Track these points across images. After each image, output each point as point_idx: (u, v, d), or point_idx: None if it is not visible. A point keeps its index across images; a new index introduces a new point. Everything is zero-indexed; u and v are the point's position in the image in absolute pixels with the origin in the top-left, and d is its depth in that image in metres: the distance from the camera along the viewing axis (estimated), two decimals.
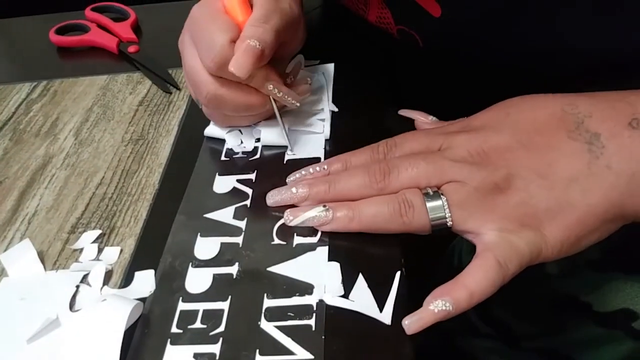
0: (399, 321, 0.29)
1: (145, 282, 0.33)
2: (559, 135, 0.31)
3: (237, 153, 0.41)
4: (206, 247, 0.34)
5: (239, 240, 0.35)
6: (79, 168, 0.43)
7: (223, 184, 0.39)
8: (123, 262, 0.35)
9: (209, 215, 0.36)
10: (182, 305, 0.31)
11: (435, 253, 0.52)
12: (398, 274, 0.32)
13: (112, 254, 0.35)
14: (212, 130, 0.43)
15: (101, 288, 0.33)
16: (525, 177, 0.31)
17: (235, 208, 0.37)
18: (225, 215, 0.36)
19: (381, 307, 0.30)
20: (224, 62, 0.35)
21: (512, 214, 0.30)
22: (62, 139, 0.46)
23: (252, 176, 0.39)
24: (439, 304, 0.29)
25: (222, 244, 0.34)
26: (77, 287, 0.33)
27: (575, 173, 0.30)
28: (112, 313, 0.30)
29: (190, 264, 0.33)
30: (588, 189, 0.30)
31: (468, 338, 0.49)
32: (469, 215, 0.31)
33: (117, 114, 0.48)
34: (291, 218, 0.34)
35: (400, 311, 0.30)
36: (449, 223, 0.31)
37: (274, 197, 0.36)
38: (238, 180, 0.39)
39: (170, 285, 0.32)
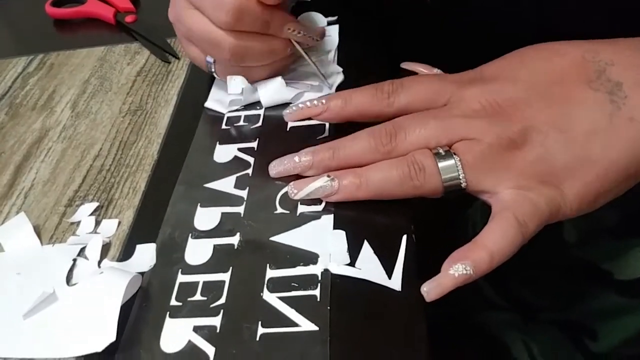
0: (409, 288, 0.28)
1: (145, 255, 0.32)
2: (579, 85, 0.29)
3: (239, 121, 0.40)
4: (206, 217, 0.33)
5: (240, 209, 0.33)
6: (75, 140, 0.41)
7: (224, 152, 0.37)
8: (121, 235, 0.34)
9: (209, 185, 0.35)
10: (181, 278, 0.30)
11: (448, 224, 0.51)
12: (404, 237, 0.30)
13: (110, 226, 0.34)
14: (213, 103, 0.41)
15: (99, 261, 0.32)
16: (542, 131, 0.29)
17: (237, 177, 0.35)
18: (226, 184, 0.35)
19: (389, 273, 0.29)
20: (240, 11, 0.34)
21: (530, 170, 0.29)
22: (59, 111, 0.45)
23: (254, 144, 0.37)
24: (459, 268, 0.28)
25: (222, 214, 0.33)
26: (75, 260, 0.32)
27: (595, 126, 0.28)
28: (108, 286, 0.29)
29: (190, 234, 0.32)
30: (609, 142, 0.28)
31: (484, 313, 0.48)
32: (484, 175, 0.29)
33: (115, 85, 0.46)
34: (295, 191, 0.32)
35: (410, 278, 0.29)
36: (463, 184, 0.29)
37: (276, 168, 0.34)
38: (239, 149, 0.37)
39: (170, 257, 0.31)
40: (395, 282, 0.28)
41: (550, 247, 0.40)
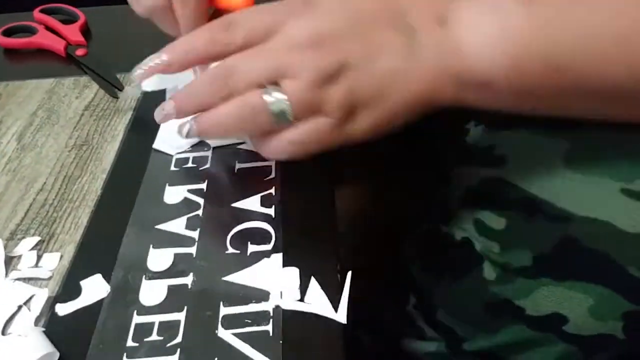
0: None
1: (96, 286, 0.33)
2: (386, 25, 0.33)
3: (187, 163, 0.41)
4: (159, 258, 0.34)
5: (192, 250, 0.35)
6: (20, 173, 0.42)
7: (174, 194, 0.39)
8: (61, 270, 0.34)
9: (160, 227, 0.36)
10: (137, 319, 0.31)
11: (383, 254, 0.54)
12: (349, 274, 0.33)
13: (51, 260, 0.35)
14: (161, 144, 0.42)
15: (37, 316, 0.32)
16: (353, 65, 0.33)
17: (188, 218, 0.37)
18: (177, 225, 0.36)
19: (335, 307, 0.31)
20: None
21: (339, 103, 0.33)
22: (5, 143, 0.45)
23: (203, 185, 0.39)
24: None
25: (175, 254, 0.34)
26: (19, 307, 0.32)
27: (394, 65, 0.33)
28: (18, 355, 0.29)
29: (144, 276, 0.33)
30: (403, 80, 0.32)
31: (415, 342, 0.51)
32: (307, 108, 0.33)
33: (62, 118, 0.47)
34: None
35: (351, 309, 0.31)
36: (290, 117, 0.33)
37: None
38: (189, 190, 0.39)
39: (124, 299, 0.32)
40: (341, 316, 0.31)
41: (472, 284, 0.43)
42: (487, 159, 0.40)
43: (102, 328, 0.31)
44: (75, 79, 0.51)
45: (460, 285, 0.45)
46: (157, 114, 0.37)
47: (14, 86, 0.51)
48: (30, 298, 0.33)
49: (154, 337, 0.30)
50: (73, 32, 0.56)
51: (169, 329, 0.30)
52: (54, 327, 0.31)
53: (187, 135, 0.36)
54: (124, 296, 0.32)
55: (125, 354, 0.29)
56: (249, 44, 0.35)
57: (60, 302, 0.32)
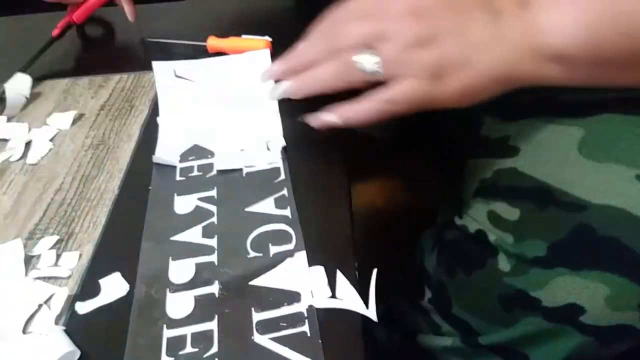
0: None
1: (115, 284, 0.33)
2: (473, 8, 0.36)
3: (192, 171, 0.40)
4: (181, 270, 0.33)
5: (213, 258, 0.34)
6: (37, 173, 0.41)
7: (184, 203, 0.38)
8: (80, 268, 0.34)
9: (176, 238, 0.35)
10: (167, 333, 0.30)
11: (398, 248, 0.54)
12: (375, 271, 0.33)
13: (71, 259, 0.35)
14: (162, 155, 0.41)
15: (58, 314, 0.32)
16: (446, 34, 0.36)
17: (203, 227, 0.36)
18: (193, 235, 0.36)
19: (366, 303, 0.31)
20: None
21: (428, 64, 0.36)
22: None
23: (214, 193, 0.38)
24: (330, 116, 0.39)
25: (197, 264, 0.34)
26: (40, 306, 0.32)
27: (482, 39, 0.35)
28: (38, 354, 0.29)
29: (168, 289, 0.32)
30: (490, 52, 0.35)
31: (430, 337, 0.51)
32: (397, 68, 0.36)
33: (78, 118, 0.47)
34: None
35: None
36: (381, 76, 0.37)
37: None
38: (200, 199, 0.38)
39: (151, 315, 0.31)
40: (371, 312, 0.31)
41: (487, 276, 0.43)
42: (501, 149, 0.41)
43: (133, 345, 0.30)
44: (90, 79, 0.51)
45: (475, 278, 0.44)
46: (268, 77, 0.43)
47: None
48: (50, 297, 0.32)
49: (189, 349, 0.29)
50: None
51: (203, 339, 0.30)
52: (74, 326, 0.31)
53: (283, 94, 0.41)
54: (150, 312, 0.31)
55: None
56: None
57: (80, 301, 0.32)
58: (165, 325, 0.31)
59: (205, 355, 0.29)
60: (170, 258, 0.34)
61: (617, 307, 0.37)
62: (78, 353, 0.30)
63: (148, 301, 0.32)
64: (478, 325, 0.46)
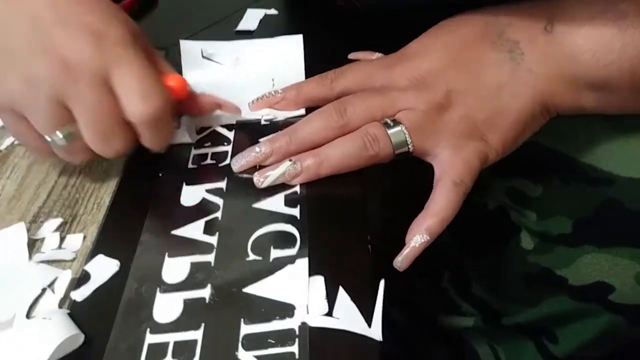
0: (388, 336, 0.27)
1: (102, 265, 0.32)
2: (484, 47, 0.34)
3: (206, 159, 0.38)
4: (175, 268, 0.31)
5: (210, 258, 0.31)
6: None
7: (191, 194, 0.36)
8: (85, 251, 0.33)
9: (177, 232, 0.33)
10: (150, 338, 0.28)
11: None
12: (382, 282, 0.29)
13: (75, 241, 0.34)
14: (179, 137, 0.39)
15: (62, 298, 0.31)
16: (461, 91, 0.33)
17: (206, 222, 0.34)
18: (194, 230, 0.33)
19: (369, 321, 0.28)
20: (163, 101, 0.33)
21: (458, 128, 0.33)
22: None
23: (223, 185, 0.36)
24: (417, 239, 0.31)
25: (192, 264, 0.31)
26: (44, 290, 0.31)
27: (502, 80, 0.33)
28: (42, 338, 0.28)
29: (158, 289, 0.30)
30: (516, 93, 0.33)
31: (451, 317, 0.50)
32: (425, 137, 0.33)
33: None
34: (262, 180, 0.34)
35: (387, 324, 0.27)
36: (410, 148, 0.33)
37: (238, 162, 0.35)
38: (207, 190, 0.36)
39: (137, 315, 0.29)
40: (375, 332, 0.27)
41: (509, 255, 0.42)
42: None
43: (114, 348, 0.28)
44: None
45: (496, 256, 0.44)
46: (242, 159, 0.35)
47: None
48: (54, 280, 0.31)
49: (169, 359, 0.27)
50: None
51: (185, 350, 0.27)
52: (79, 309, 0.30)
53: (297, 179, 0.34)
54: (137, 313, 0.29)
55: None
56: (350, 90, 0.37)
57: (74, 290, 0.31)
58: (149, 329, 0.29)
59: None
60: (167, 254, 0.32)
61: None
62: (82, 337, 0.29)
63: (137, 299, 0.30)
64: (500, 305, 0.45)
